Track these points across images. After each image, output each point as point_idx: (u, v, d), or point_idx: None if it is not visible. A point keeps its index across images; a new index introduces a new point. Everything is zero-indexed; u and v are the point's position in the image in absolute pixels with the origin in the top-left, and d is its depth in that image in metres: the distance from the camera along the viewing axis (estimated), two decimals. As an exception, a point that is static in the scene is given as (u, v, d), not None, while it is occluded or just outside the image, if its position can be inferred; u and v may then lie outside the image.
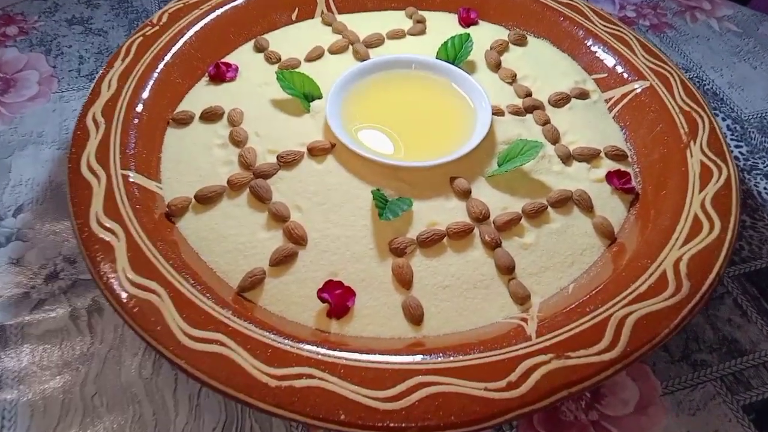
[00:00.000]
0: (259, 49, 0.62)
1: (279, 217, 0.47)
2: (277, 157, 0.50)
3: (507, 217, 0.48)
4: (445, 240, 0.46)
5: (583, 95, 0.59)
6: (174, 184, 0.49)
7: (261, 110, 0.55)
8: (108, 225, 0.43)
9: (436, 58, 0.60)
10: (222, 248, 0.45)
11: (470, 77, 0.57)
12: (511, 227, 0.48)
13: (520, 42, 0.65)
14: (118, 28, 0.74)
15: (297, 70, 0.59)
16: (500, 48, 0.63)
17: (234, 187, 0.49)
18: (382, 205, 0.47)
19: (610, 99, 0.60)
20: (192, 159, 0.51)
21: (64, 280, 0.50)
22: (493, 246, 0.46)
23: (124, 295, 0.40)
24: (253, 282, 0.43)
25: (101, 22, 0.75)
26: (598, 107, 0.59)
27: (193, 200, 0.48)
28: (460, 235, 0.46)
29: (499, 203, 0.49)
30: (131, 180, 0.47)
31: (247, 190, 0.49)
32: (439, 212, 0.48)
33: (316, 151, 0.51)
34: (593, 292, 0.42)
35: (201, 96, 0.57)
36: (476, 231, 0.47)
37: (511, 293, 0.44)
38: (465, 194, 0.49)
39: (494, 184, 0.51)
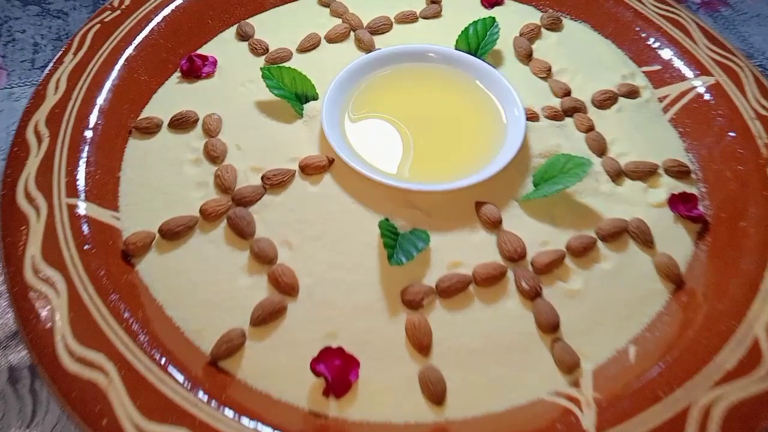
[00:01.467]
0: (243, 36, 0.51)
1: (263, 259, 0.37)
2: (263, 178, 0.41)
3: (548, 257, 0.38)
4: (471, 287, 0.37)
5: (632, 93, 0.49)
6: (135, 213, 0.40)
7: (243, 116, 0.45)
8: (46, 274, 0.34)
9: (456, 48, 0.50)
10: (192, 300, 0.36)
11: (498, 73, 0.46)
12: (553, 269, 0.38)
13: (555, 26, 0.54)
14: (81, 9, 0.63)
15: (287, 64, 0.49)
16: (531, 34, 0.53)
17: (209, 217, 0.39)
18: (391, 242, 0.37)
19: (665, 98, 0.49)
20: (158, 180, 0.42)
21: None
22: (532, 295, 0.37)
23: (61, 373, 0.31)
24: (230, 348, 0.34)
25: (61, 1, 0.64)
26: (650, 108, 0.49)
27: (158, 235, 0.39)
28: (490, 280, 0.37)
29: (536, 236, 0.40)
30: (80, 211, 0.38)
31: (225, 221, 0.39)
32: (462, 249, 0.39)
33: (310, 170, 0.42)
34: (664, 367, 0.33)
35: (171, 98, 0.47)
36: (510, 274, 0.38)
37: (556, 359, 0.35)
38: (495, 225, 0.40)
39: (530, 210, 0.41)
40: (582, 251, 0.39)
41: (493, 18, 0.50)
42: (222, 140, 0.43)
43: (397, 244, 0.38)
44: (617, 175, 0.44)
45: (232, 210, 0.39)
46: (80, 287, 0.34)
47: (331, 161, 0.42)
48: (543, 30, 0.54)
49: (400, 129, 0.44)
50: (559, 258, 0.38)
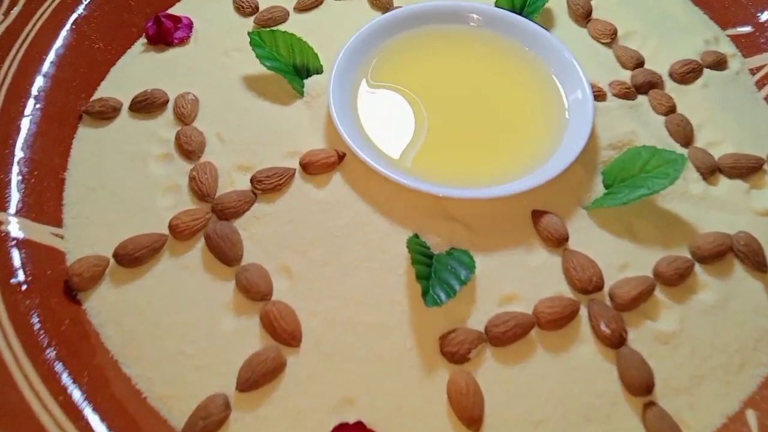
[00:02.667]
0: (226, -9, 0.41)
1: (254, 293, 0.28)
2: (252, 181, 0.31)
3: (633, 288, 0.29)
4: (533, 332, 0.28)
5: (719, 63, 0.39)
6: (84, 229, 0.30)
7: (227, 95, 0.35)
8: (-46, 323, 0.25)
9: (496, 5, 0.39)
10: (159, 352, 0.27)
11: (557, 40, 0.36)
12: (639, 304, 0.29)
13: (618, -22, 0.43)
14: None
15: (282, 27, 0.38)
16: (589, -12, 0.42)
17: (181, 235, 0.29)
18: (425, 269, 0.28)
19: (758, 69, 0.39)
20: (115, 182, 0.32)
21: None
22: (614, 342, 0.27)
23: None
24: (209, 426, 0.25)
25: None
26: (741, 82, 0.39)
27: (112, 261, 0.29)
28: (557, 322, 0.28)
29: (612, 256, 0.30)
30: (6, 229, 0.28)
31: (202, 240, 0.30)
32: (517, 275, 0.29)
33: (314, 168, 0.32)
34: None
35: (133, 72, 0.36)
36: (583, 311, 0.29)
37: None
38: (559, 242, 0.30)
39: (601, 220, 0.32)
40: (676, 279, 0.29)
41: (544, -34, 0.40)
42: (199, 129, 0.33)
43: (432, 271, 0.28)
44: (710, 171, 0.34)
45: (212, 225, 0.30)
46: (3, 346, 0.25)
47: (341, 156, 0.32)
48: (603, -18, 0.43)
49: (430, 113, 0.34)
50: (647, 289, 0.29)
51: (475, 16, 0.37)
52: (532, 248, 0.30)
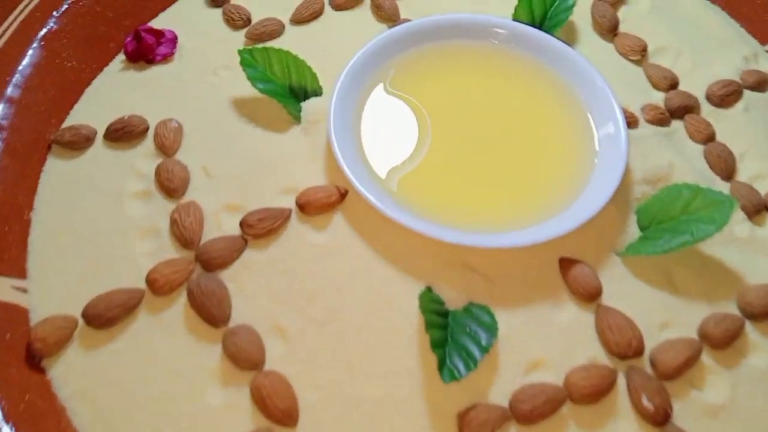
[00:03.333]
0: (215, 0, 0.37)
1: (243, 362, 0.24)
2: (242, 224, 0.27)
3: (678, 354, 0.25)
4: (565, 407, 0.24)
5: (761, 84, 0.35)
6: (51, 281, 0.26)
7: (215, 122, 0.31)
8: None
9: (514, 18, 0.35)
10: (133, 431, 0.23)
11: (586, 62, 0.32)
12: (684, 372, 0.25)
13: (645, -15, 0.39)
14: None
15: (277, 42, 0.35)
16: (616, -3, 0.38)
17: (160, 290, 0.26)
18: (440, 333, 0.24)
19: (803, 89, 0.36)
20: (87, 223, 0.28)
21: None
22: (659, 419, 0.24)
23: None
24: None
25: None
26: (785, 105, 0.35)
27: (81, 322, 0.25)
28: (593, 396, 0.24)
29: (651, 313, 0.27)
30: (-43, 286, 0.25)
31: (185, 295, 0.26)
32: (544, 336, 0.26)
33: (312, 208, 0.28)
34: None
35: (110, 94, 0.32)
36: (621, 380, 0.25)
37: None
38: (591, 297, 0.27)
39: (637, 268, 0.28)
40: (725, 341, 0.26)
41: (567, -26, 0.36)
42: (182, 162, 0.30)
43: (448, 334, 0.25)
44: (757, 210, 0.30)
45: (196, 278, 0.26)
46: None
47: (343, 194, 0.28)
48: (630, -9, 0.39)
49: (445, 143, 0.30)
50: (694, 355, 0.25)
51: (495, 30, 0.33)
52: (561, 303, 0.27)
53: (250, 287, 0.26)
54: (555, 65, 0.32)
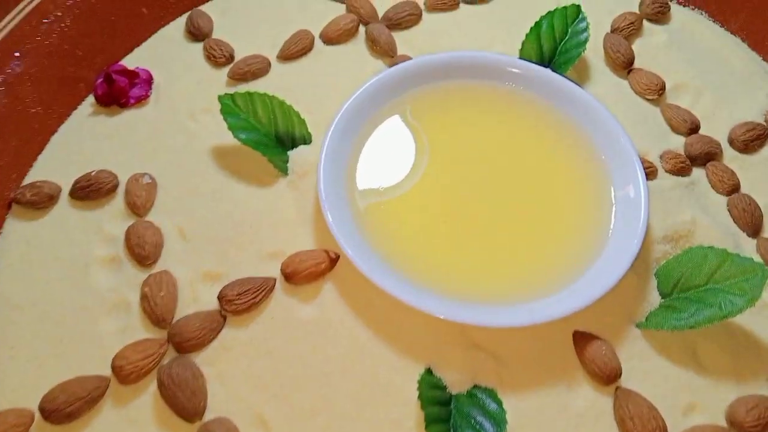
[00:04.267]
0: (195, 34, 0.34)
1: (221, 464, 0.22)
2: (221, 299, 0.25)
3: (708, 449, 0.23)
4: None
5: (787, 126, 0.33)
6: (5, 368, 0.24)
7: (192, 175, 0.28)
8: None
9: (521, 56, 0.32)
10: None
11: (608, 113, 0.29)
12: (715, 469, 0.23)
13: (662, 17, 0.36)
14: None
15: (262, 82, 0.32)
16: (630, 29, 0.35)
17: (127, 379, 0.23)
18: (440, 429, 0.22)
19: (833, 130, 0.33)
20: (48, 297, 0.25)
21: None
22: None
23: None
24: None
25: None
26: (815, 149, 0.32)
27: (38, 416, 0.22)
28: (613, 501, 0.22)
29: (675, 395, 0.24)
30: None
31: (154, 384, 0.23)
32: (559, 425, 0.23)
33: (300, 278, 0.25)
34: None
35: (77, 143, 0.29)
36: (644, 481, 0.22)
37: None
38: (609, 379, 0.24)
39: (659, 342, 0.25)
40: (757, 429, 0.23)
41: (578, 7, 0.33)
42: (155, 223, 0.27)
43: (450, 427, 0.22)
44: (788, 273, 0.28)
45: (168, 365, 0.23)
46: None
47: (334, 259, 0.26)
48: (645, 22, 0.36)
49: (449, 203, 0.27)
50: (726, 448, 0.23)
51: (506, 70, 0.30)
52: (576, 384, 0.24)
53: (229, 372, 0.24)
54: (571, 112, 0.29)
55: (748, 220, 0.29)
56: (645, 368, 0.25)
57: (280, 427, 0.23)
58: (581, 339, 0.25)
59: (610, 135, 0.28)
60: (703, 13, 0.37)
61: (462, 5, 0.36)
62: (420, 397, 0.22)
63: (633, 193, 0.26)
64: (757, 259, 0.28)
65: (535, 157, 0.29)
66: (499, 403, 0.23)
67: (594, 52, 0.35)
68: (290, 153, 0.29)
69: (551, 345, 0.25)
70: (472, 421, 0.22)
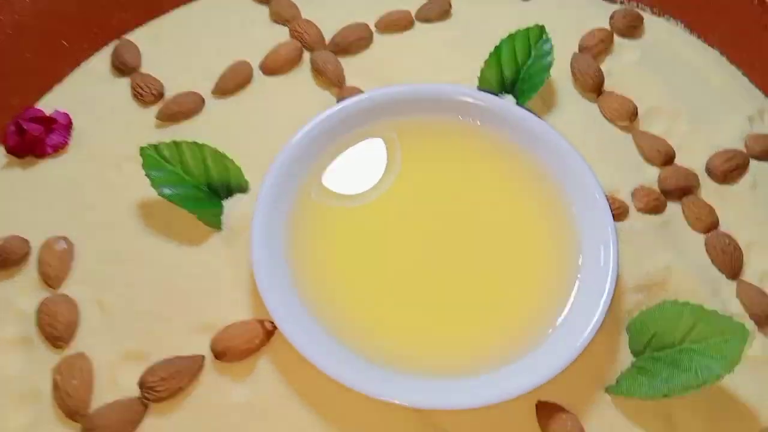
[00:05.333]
0: (121, 68, 0.30)
1: None
2: (142, 385, 0.22)
3: None
4: None
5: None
6: None
7: (114, 237, 0.25)
8: None
9: (480, 85, 0.30)
10: None
11: (573, 151, 0.26)
12: None
13: (634, 30, 0.34)
14: None
15: (195, 121, 0.29)
16: (600, 46, 0.32)
17: (33, 485, 0.21)
18: None
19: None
20: (-51, 387, 0.22)
21: None
22: None
23: None
24: None
25: None
26: (800, 177, 0.30)
27: None
28: None
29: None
30: None
31: (67, 490, 0.21)
32: None
33: (231, 355, 0.23)
34: None
35: (-16, 204, 0.27)
36: None
37: None
38: (575, 460, 0.22)
39: (630, 409, 0.23)
40: None
41: (542, 28, 0.30)
42: (71, 296, 0.24)
43: None
44: (770, 321, 0.26)
45: (81, 466, 0.21)
46: None
47: (270, 331, 0.23)
48: (616, 37, 0.33)
49: (399, 261, 0.25)
50: None
51: (465, 102, 0.27)
52: (538, 464, 0.22)
53: (152, 471, 0.21)
54: (537, 153, 0.26)
55: (727, 261, 0.27)
56: (616, 438, 0.23)
57: None
58: (545, 411, 0.23)
59: (579, 182, 0.25)
60: (680, 23, 0.35)
61: (417, 23, 0.33)
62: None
63: (603, 252, 0.24)
64: (737, 305, 0.26)
65: (494, 206, 0.26)
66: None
67: (562, 73, 0.32)
68: (225, 203, 0.26)
69: (512, 418, 0.23)
70: None
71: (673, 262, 0.26)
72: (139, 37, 0.32)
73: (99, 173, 0.27)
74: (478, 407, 0.21)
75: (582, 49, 0.32)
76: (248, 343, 0.23)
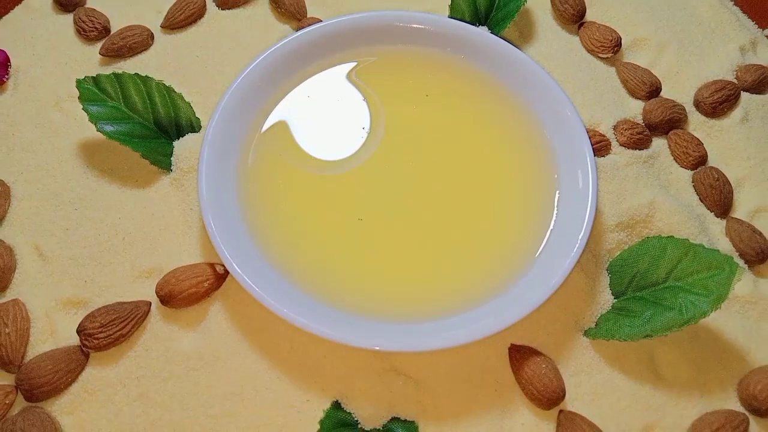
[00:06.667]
0: (63, 4, 0.28)
1: None
2: (81, 333, 0.20)
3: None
4: None
5: (761, 84, 0.28)
6: None
7: (54, 179, 0.23)
8: None
9: (451, 14, 0.28)
10: None
11: (554, 83, 0.24)
12: (672, 505, 0.19)
13: (618, -42, 0.31)
14: None
15: (143, 58, 0.27)
16: (581, -24, 0.30)
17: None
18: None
19: (813, 86, 0.29)
20: None
21: None
22: None
23: None
24: None
25: None
26: (793, 109, 0.28)
27: None
28: None
29: (630, 415, 0.21)
30: None
31: (0, 444, 0.19)
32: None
33: (178, 300, 0.21)
34: None
35: None
36: None
37: None
38: (551, 403, 0.20)
39: (611, 351, 0.22)
40: (724, 453, 0.20)
41: (516, -49, 0.28)
42: (6, 241, 0.22)
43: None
44: (760, 258, 0.24)
45: (13, 419, 0.19)
46: None
47: (222, 275, 0.21)
48: (598, -34, 0.31)
49: (361, 199, 0.23)
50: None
51: (435, 32, 0.25)
52: (512, 409, 0.20)
53: (93, 422, 0.19)
54: (511, 81, 0.25)
55: (717, 197, 0.25)
56: (594, 385, 0.21)
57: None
58: (518, 355, 0.21)
59: (555, 109, 0.23)
60: (667, -48, 0.32)
61: (385, -45, 0.31)
62: (321, 427, 0.19)
63: (581, 180, 0.22)
64: (726, 243, 0.24)
65: (467, 138, 0.24)
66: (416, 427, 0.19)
67: (539, 3, 0.30)
68: (176, 144, 0.24)
69: (482, 364, 0.21)
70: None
71: (658, 198, 0.24)
72: (82, -31, 0.29)
73: (38, 113, 0.25)
74: (440, 349, 0.20)
75: (562, -22, 0.30)
76: (196, 286, 0.21)
